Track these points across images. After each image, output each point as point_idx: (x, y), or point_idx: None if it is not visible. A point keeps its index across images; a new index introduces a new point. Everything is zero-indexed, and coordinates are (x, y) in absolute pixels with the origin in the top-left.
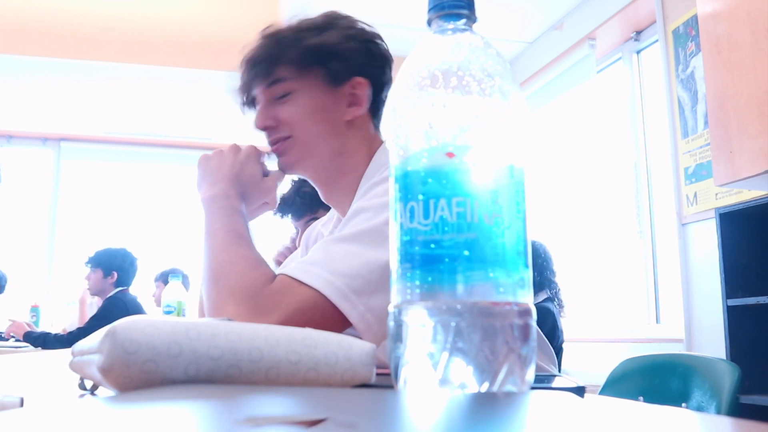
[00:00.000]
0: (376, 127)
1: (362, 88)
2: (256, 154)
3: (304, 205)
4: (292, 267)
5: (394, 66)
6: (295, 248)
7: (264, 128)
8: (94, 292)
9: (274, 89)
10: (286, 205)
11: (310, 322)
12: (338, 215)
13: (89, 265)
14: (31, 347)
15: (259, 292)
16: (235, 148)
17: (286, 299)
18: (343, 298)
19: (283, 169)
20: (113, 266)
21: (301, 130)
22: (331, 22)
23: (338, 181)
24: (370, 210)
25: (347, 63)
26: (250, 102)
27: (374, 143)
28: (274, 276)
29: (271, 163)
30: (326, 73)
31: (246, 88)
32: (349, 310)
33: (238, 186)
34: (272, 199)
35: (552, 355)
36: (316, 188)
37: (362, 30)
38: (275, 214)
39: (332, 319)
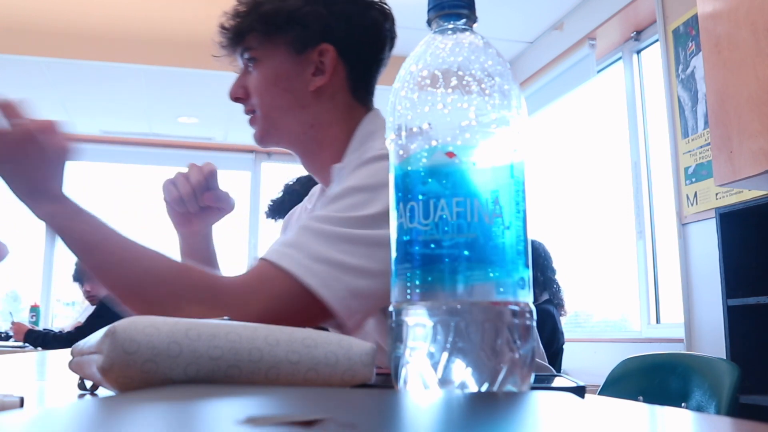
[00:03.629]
0: (359, 96)
1: (328, 55)
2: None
3: (294, 203)
4: (270, 248)
5: (394, 66)
6: None
7: (234, 99)
8: (91, 299)
9: (243, 58)
10: (278, 207)
11: (288, 312)
12: (321, 186)
13: (82, 278)
14: (31, 347)
15: (218, 283)
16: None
17: (265, 286)
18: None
19: (257, 143)
20: None
21: (262, 101)
22: None
23: (319, 153)
24: (364, 191)
25: (308, 29)
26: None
27: (355, 113)
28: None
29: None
30: (290, 41)
31: (229, 57)
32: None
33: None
34: (229, 205)
35: (543, 355)
36: (300, 160)
37: None
38: (268, 217)
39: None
